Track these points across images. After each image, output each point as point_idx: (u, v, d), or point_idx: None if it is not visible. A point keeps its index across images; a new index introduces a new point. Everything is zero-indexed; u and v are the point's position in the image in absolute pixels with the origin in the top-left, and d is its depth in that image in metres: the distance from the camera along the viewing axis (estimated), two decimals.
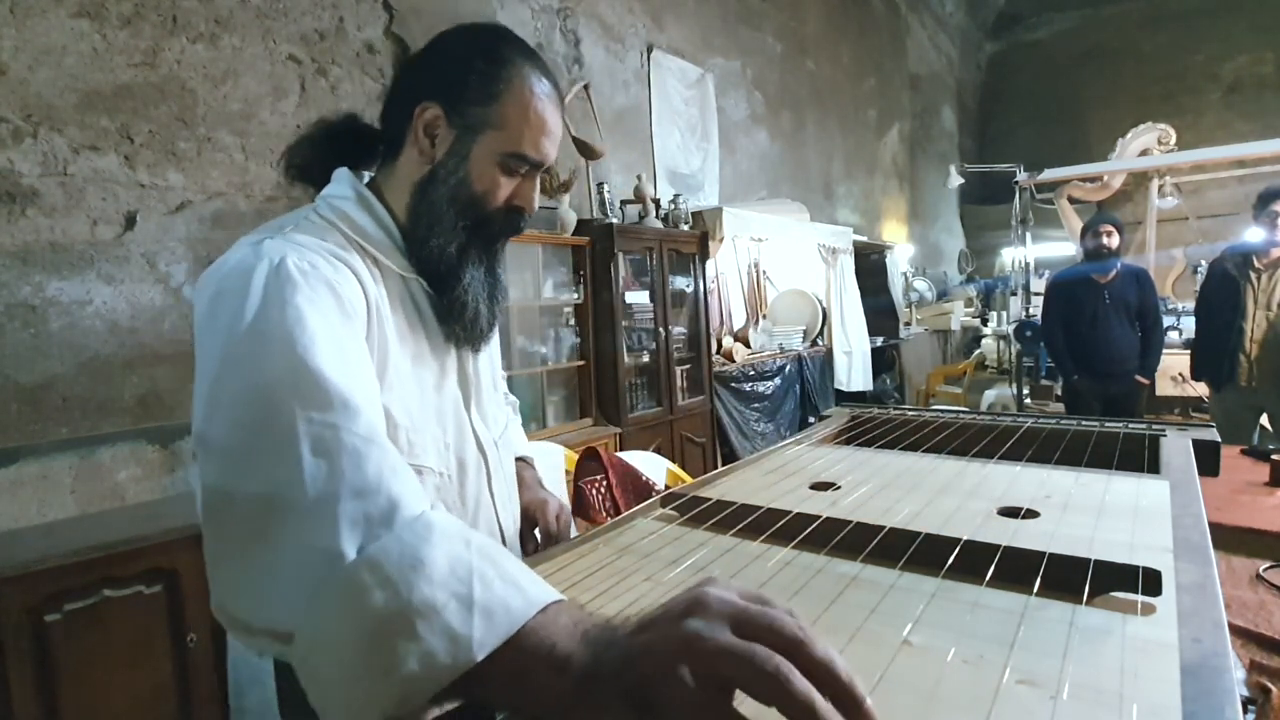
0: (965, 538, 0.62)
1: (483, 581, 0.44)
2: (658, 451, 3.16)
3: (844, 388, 5.16)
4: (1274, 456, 1.52)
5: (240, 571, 0.51)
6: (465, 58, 0.79)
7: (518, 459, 1.08)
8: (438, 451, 0.83)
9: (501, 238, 0.86)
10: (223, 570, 0.52)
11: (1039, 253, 6.94)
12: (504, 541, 0.92)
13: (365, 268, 0.76)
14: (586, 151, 3.32)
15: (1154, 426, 1.13)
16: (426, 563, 0.45)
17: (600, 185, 3.46)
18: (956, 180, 6.94)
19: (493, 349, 1.01)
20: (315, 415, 0.54)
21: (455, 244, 0.81)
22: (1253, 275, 3.17)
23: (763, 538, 0.69)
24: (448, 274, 0.81)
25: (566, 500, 1.00)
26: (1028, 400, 5.57)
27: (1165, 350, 3.92)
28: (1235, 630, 0.90)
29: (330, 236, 0.75)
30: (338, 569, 0.46)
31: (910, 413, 1.36)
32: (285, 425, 0.53)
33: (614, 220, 3.43)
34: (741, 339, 4.52)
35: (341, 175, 0.82)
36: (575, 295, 3.26)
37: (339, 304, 0.67)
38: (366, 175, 0.86)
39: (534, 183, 0.84)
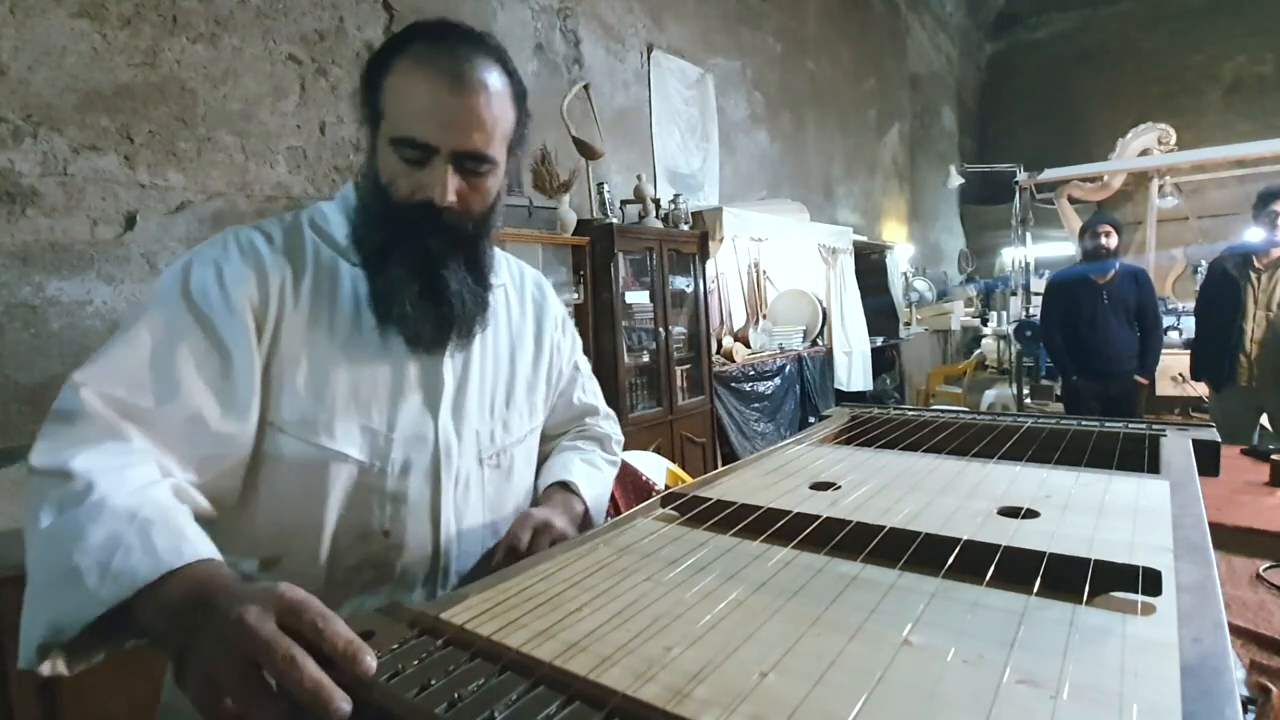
0: (965, 538, 0.62)
1: (125, 551, 0.56)
2: (658, 451, 3.16)
3: (844, 388, 5.16)
4: (1274, 456, 1.52)
5: None
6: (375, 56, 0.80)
7: (558, 482, 0.98)
8: (369, 444, 0.79)
9: (431, 236, 0.79)
10: None
11: (1039, 253, 6.94)
12: (437, 556, 0.84)
13: (297, 257, 0.82)
14: (586, 151, 3.32)
15: (1154, 426, 1.13)
16: (86, 537, 0.57)
17: (600, 185, 3.46)
18: (956, 180, 6.95)
19: (521, 365, 0.95)
20: (71, 404, 0.67)
21: (375, 239, 0.81)
22: (1253, 275, 3.17)
23: (763, 538, 0.69)
24: (371, 269, 0.81)
25: (570, 525, 0.89)
26: (1028, 400, 5.57)
27: (1165, 350, 3.92)
28: (1235, 630, 0.90)
29: (274, 229, 0.84)
30: (35, 534, 0.60)
31: (910, 413, 1.36)
32: (64, 401, 0.67)
33: (614, 220, 3.43)
34: (741, 339, 4.52)
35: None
36: (575, 295, 3.25)
37: (220, 291, 0.77)
38: None
39: (440, 171, 0.76)
